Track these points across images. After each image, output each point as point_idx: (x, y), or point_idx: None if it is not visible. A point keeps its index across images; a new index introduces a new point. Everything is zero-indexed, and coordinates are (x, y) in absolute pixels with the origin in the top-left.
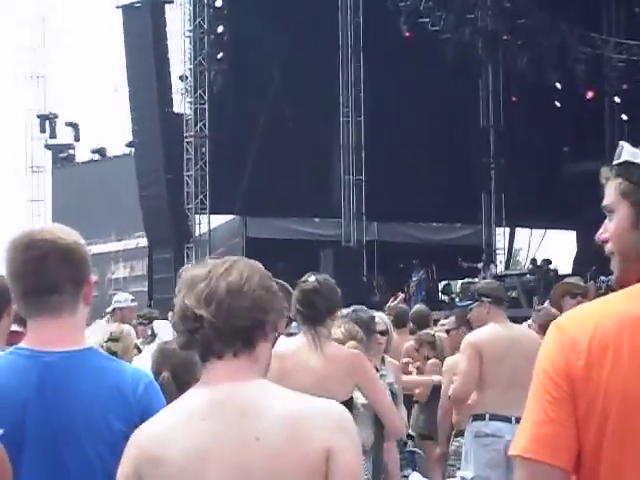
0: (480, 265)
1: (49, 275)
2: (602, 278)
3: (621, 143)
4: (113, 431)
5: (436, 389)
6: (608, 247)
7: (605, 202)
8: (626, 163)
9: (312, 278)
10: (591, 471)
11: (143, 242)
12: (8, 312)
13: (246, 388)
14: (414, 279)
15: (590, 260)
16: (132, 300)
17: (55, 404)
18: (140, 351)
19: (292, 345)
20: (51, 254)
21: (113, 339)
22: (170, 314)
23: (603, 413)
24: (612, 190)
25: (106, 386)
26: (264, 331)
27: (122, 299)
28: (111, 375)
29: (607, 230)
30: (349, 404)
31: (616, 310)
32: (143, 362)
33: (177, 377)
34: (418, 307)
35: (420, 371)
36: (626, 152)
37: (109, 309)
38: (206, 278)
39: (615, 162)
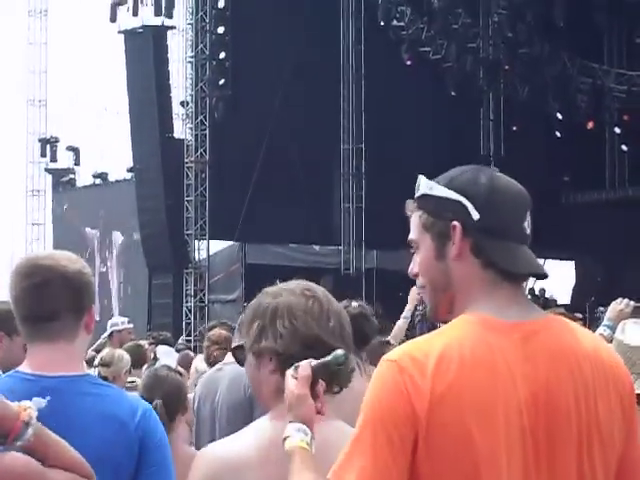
0: None
1: (50, 302)
2: (601, 309)
3: (419, 176)
4: (111, 458)
5: None
6: (419, 281)
7: (410, 236)
8: (425, 196)
9: (354, 303)
10: None
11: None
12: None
13: (329, 429)
14: (419, 308)
15: (589, 290)
16: (128, 322)
17: (51, 429)
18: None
19: None
20: (53, 281)
21: (104, 364)
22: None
23: (443, 455)
24: (415, 224)
25: (104, 413)
26: None
27: (119, 322)
28: (109, 402)
29: (415, 264)
30: None
31: (452, 352)
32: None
33: (168, 405)
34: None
35: None
36: (423, 185)
37: (106, 333)
38: (321, 311)
39: (416, 195)
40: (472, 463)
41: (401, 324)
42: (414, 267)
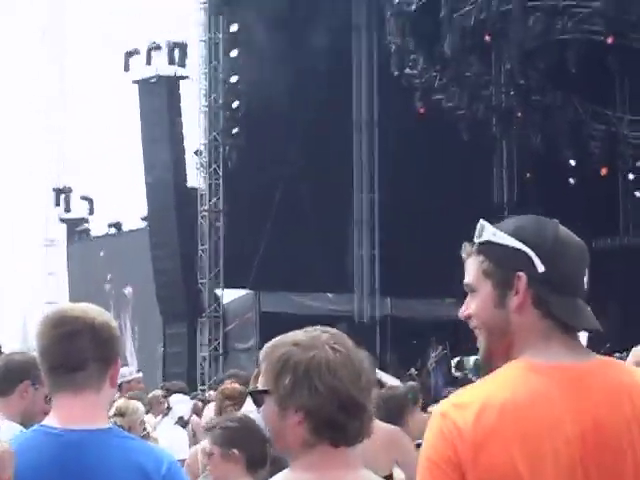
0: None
1: (77, 352)
2: (617, 355)
3: (481, 222)
4: None
5: None
6: (472, 323)
7: (467, 280)
8: (488, 242)
9: None
10: None
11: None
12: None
13: (355, 476)
14: (433, 355)
15: (604, 337)
16: (137, 371)
17: None
18: None
19: None
20: (82, 332)
21: (119, 414)
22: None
23: None
24: (474, 268)
25: (129, 466)
26: None
27: (127, 372)
28: (134, 455)
29: (469, 307)
30: None
31: (495, 396)
32: (161, 435)
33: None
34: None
35: None
36: (487, 231)
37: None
38: (352, 365)
39: (477, 240)
40: None
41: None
42: (466, 310)
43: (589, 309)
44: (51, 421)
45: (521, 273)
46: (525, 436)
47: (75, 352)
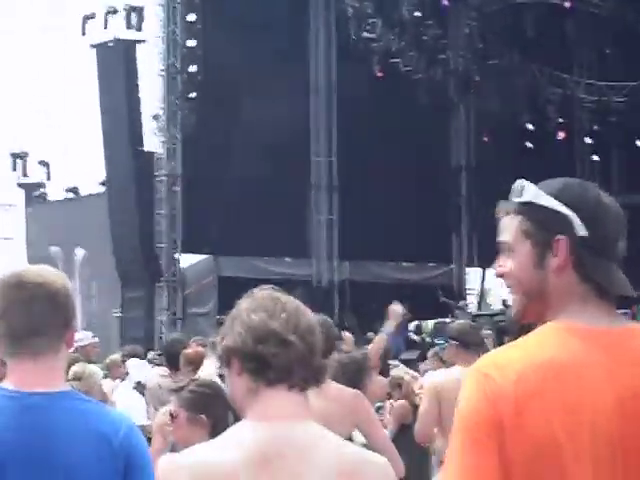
0: (462, 303)
1: (35, 317)
2: None
3: (521, 181)
4: (95, 475)
5: (404, 428)
6: (507, 282)
7: (504, 238)
8: (529, 203)
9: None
10: None
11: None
12: None
13: (305, 427)
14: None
15: None
16: (93, 336)
17: (35, 447)
18: None
19: None
20: (39, 296)
21: (76, 378)
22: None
23: (529, 459)
24: (512, 227)
25: (87, 429)
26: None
27: (82, 336)
28: (92, 418)
29: (504, 265)
30: None
31: (536, 357)
32: (118, 400)
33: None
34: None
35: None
36: (528, 191)
37: (71, 349)
38: (283, 311)
39: (517, 200)
40: (558, 467)
41: (379, 339)
42: (502, 268)
43: (623, 274)
44: (7, 385)
45: (562, 236)
46: (566, 404)
47: (35, 316)
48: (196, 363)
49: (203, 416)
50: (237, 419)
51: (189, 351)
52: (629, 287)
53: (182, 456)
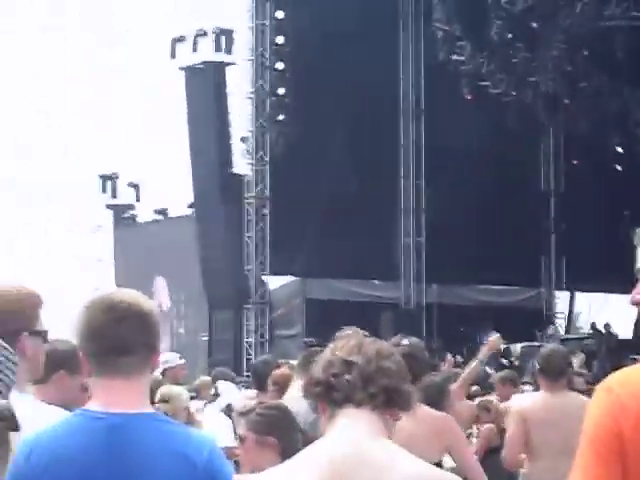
0: (551, 328)
1: (126, 337)
2: None
3: None
4: None
5: (492, 451)
6: None
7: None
8: None
9: (405, 341)
10: None
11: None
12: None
13: (382, 446)
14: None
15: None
16: (180, 358)
17: (121, 467)
18: None
19: None
20: (129, 317)
21: (163, 400)
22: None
23: None
24: None
25: (172, 451)
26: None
27: (170, 358)
28: (177, 440)
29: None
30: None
31: None
32: (206, 422)
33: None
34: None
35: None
36: None
37: (158, 371)
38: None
39: None
40: None
41: (474, 366)
42: (639, 296)
43: None
44: (94, 405)
45: None
46: None
47: (124, 337)
48: (281, 384)
49: (271, 438)
50: (307, 441)
51: (276, 372)
52: None
53: (257, 478)
